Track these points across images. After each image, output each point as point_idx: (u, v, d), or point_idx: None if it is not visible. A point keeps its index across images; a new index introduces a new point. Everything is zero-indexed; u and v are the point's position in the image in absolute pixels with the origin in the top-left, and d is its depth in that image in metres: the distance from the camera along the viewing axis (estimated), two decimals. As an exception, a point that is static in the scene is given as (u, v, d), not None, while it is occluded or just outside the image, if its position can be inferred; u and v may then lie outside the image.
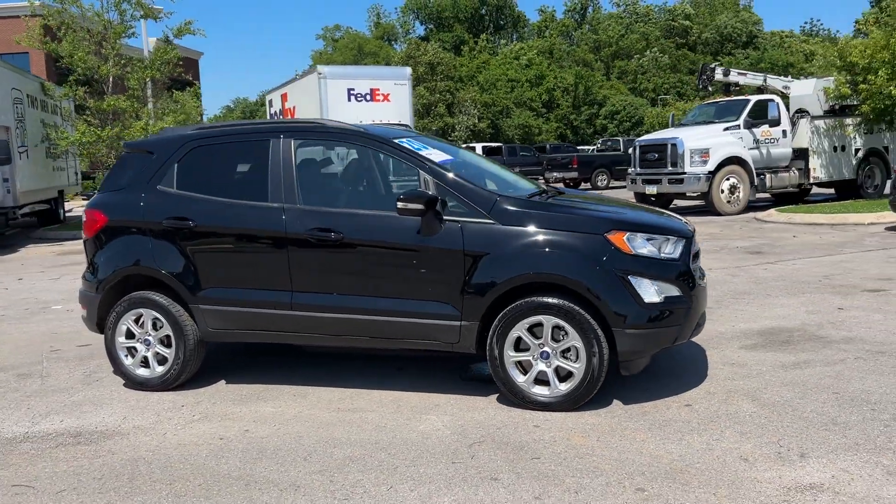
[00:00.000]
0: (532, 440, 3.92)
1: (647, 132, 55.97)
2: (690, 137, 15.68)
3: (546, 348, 4.34)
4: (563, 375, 4.35)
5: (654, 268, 4.31)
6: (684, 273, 4.41)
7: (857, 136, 16.96)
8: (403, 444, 3.96)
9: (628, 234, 4.34)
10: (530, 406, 4.36)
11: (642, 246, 4.34)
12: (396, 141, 4.83)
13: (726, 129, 15.81)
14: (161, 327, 5.06)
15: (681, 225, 4.74)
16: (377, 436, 4.10)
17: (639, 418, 4.18)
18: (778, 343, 5.59)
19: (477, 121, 50.94)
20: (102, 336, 5.21)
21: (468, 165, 5.05)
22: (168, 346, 5.06)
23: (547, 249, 4.32)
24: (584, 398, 4.31)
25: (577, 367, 4.28)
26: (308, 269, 4.73)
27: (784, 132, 16.23)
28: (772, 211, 15.22)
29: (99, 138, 18.78)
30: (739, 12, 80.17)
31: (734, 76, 18.51)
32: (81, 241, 5.67)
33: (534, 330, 4.35)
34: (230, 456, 3.92)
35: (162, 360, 5.10)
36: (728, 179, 15.60)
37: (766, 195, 17.28)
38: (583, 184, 27.94)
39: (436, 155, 4.80)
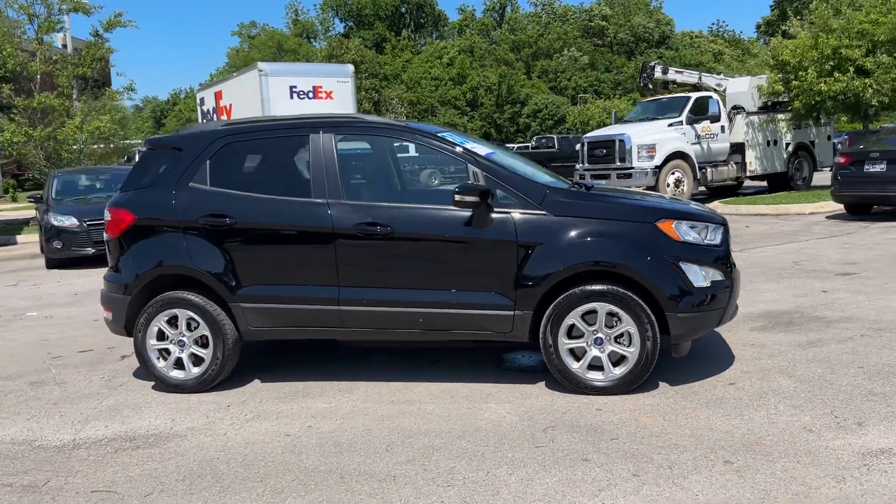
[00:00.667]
0: (602, 423, 4.07)
1: (570, 130, 57.70)
2: (637, 133, 16.21)
3: (600, 334, 4.49)
4: (616, 360, 4.51)
5: (700, 254, 4.52)
6: (725, 258, 4.65)
7: (787, 131, 17.93)
8: (478, 432, 4.03)
9: (675, 222, 4.54)
10: (585, 391, 4.51)
11: (688, 233, 4.55)
12: (441, 135, 4.89)
13: (670, 125, 16.42)
14: (197, 327, 4.96)
15: (716, 214, 4.98)
16: (447, 425, 4.16)
17: (691, 398, 4.39)
18: (783, 325, 5.93)
19: (405, 119, 51.09)
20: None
21: (506, 158, 5.14)
22: (204, 346, 4.97)
23: (602, 239, 4.47)
24: (637, 381, 4.49)
25: (631, 352, 4.45)
26: (356, 264, 4.73)
27: (723, 128, 16.98)
28: (716, 203, 15.92)
29: (30, 138, 17.94)
30: (653, 13, 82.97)
31: (672, 74, 19.25)
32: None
33: (586, 317, 4.50)
34: (307, 451, 3.91)
35: (198, 361, 5.01)
36: (673, 174, 16.21)
37: (703, 189, 18.04)
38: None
39: (479, 148, 4.88)
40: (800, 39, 15.98)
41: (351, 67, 18.64)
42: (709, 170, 16.74)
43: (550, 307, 4.50)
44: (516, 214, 4.54)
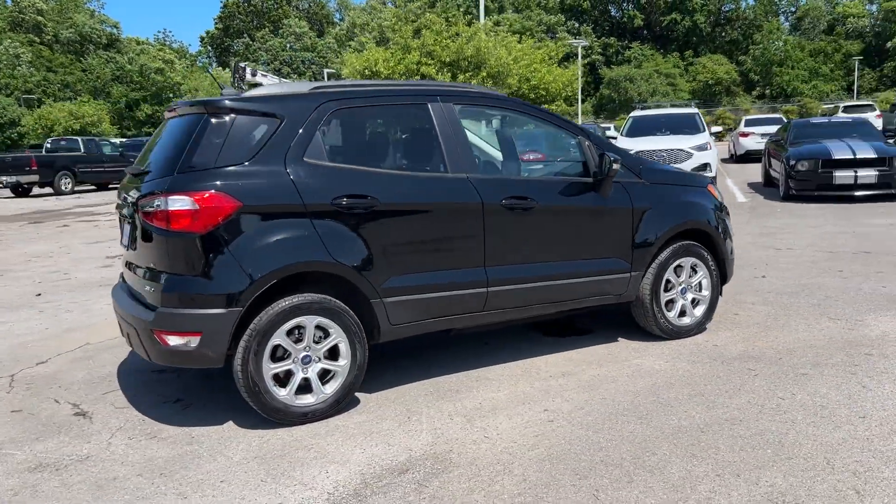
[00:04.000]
0: (745, 352, 4.86)
1: (26, 136, 51.06)
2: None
3: (684, 285, 5.23)
4: (694, 305, 5.31)
5: (725, 211, 5.61)
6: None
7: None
8: (670, 377, 4.42)
9: (711, 185, 5.54)
10: (673, 334, 5.17)
11: (719, 196, 5.60)
12: (546, 108, 4.92)
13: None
14: (325, 337, 4.02)
15: None
16: (650, 382, 4.42)
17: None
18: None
19: None
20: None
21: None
22: (333, 358, 4.07)
23: (688, 202, 5.20)
24: (709, 320, 5.37)
25: (705, 296, 5.31)
26: (501, 241, 4.49)
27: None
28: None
29: None
30: (95, 14, 78.44)
31: (259, 77, 19.38)
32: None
33: (676, 271, 5.19)
34: (599, 439, 3.76)
35: (326, 378, 4.07)
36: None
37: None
38: (45, 187, 24.63)
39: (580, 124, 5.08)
40: (393, 54, 18.01)
41: None
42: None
43: (653, 265, 5.05)
44: (626, 183, 4.95)
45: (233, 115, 3.95)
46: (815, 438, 3.50)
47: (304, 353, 3.97)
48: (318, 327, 3.98)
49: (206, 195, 3.74)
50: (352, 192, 4.04)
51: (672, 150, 14.17)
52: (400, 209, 4.18)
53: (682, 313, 5.24)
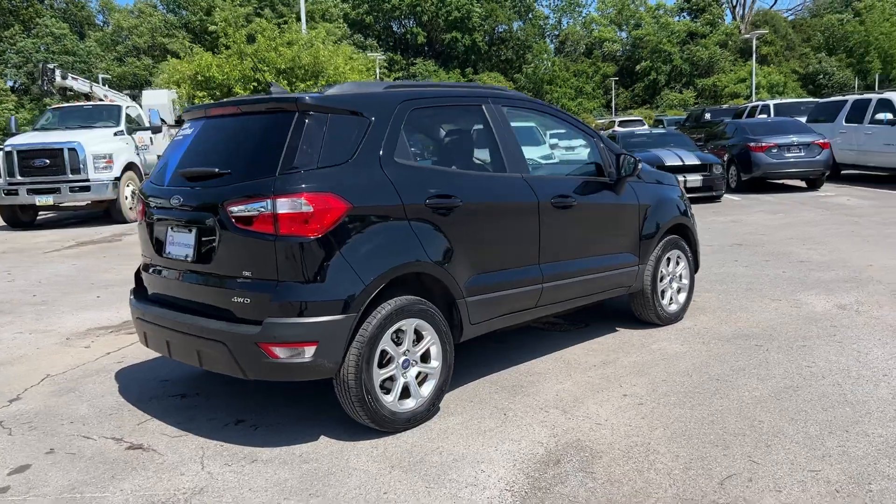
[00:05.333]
0: (736, 332, 5.44)
1: None
2: (89, 141, 14.65)
3: (671, 276, 5.72)
4: (678, 293, 5.82)
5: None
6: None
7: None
8: (719, 358, 4.89)
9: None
10: (666, 321, 5.64)
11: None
12: (569, 113, 5.15)
13: (116, 133, 15.41)
14: (421, 339, 3.96)
15: None
16: (687, 363, 4.83)
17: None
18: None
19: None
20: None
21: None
22: (426, 360, 4.01)
23: (672, 198, 5.69)
24: (687, 307, 5.91)
25: (685, 284, 5.83)
26: (551, 239, 4.66)
27: (151, 139, 16.77)
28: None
29: None
30: None
31: (70, 80, 17.54)
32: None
33: (667, 263, 5.67)
34: (700, 415, 4.09)
35: (422, 382, 4.00)
36: (129, 186, 15.34)
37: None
38: None
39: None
40: (228, 59, 17.20)
41: None
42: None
43: (653, 258, 5.49)
44: (631, 181, 5.34)
45: (326, 114, 3.76)
46: (872, 394, 4.08)
47: (404, 358, 3.88)
48: (417, 328, 3.91)
49: (320, 196, 3.54)
50: (440, 191, 4.02)
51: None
52: (477, 209, 4.22)
53: (670, 301, 5.74)
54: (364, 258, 3.65)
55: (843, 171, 16.93)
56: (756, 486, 3.13)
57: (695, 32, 63.38)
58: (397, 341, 3.84)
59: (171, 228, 4.01)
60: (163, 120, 17.45)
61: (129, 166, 15.36)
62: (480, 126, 4.53)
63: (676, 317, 5.74)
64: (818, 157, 15.09)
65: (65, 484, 3.43)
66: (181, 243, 3.93)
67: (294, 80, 17.41)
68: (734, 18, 67.37)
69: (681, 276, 5.81)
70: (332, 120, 3.77)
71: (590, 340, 5.37)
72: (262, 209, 3.51)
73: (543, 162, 5.36)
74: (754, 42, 43.30)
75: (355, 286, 3.60)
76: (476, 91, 4.69)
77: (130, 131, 15.86)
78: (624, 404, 4.12)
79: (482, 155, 4.55)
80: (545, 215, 4.59)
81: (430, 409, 3.98)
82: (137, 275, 4.51)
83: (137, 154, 15.93)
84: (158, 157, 16.24)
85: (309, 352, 3.53)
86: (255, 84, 16.78)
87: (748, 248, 8.86)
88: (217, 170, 3.77)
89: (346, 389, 3.67)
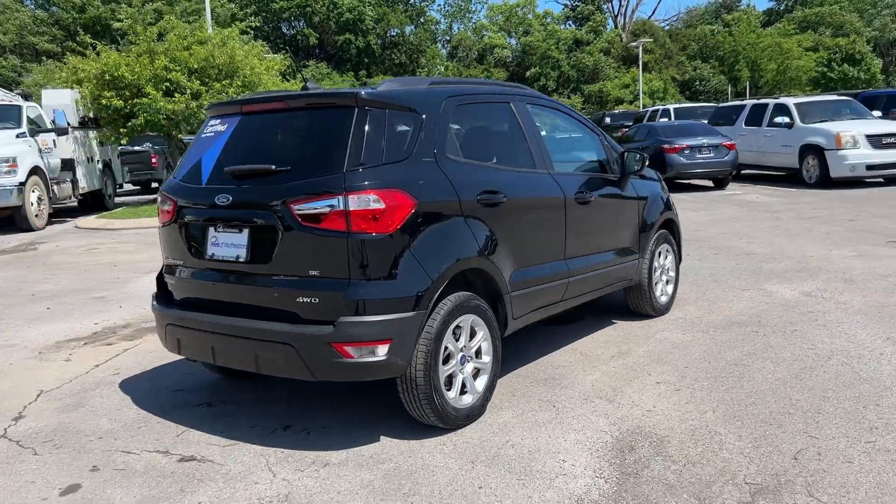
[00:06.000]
0: (727, 320, 5.73)
1: None
2: (-9, 144, 13.63)
3: (661, 269, 5.95)
4: (667, 284, 6.06)
5: None
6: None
7: (97, 148, 17.85)
8: (727, 345, 5.14)
9: (656, 175, 6.36)
10: (659, 312, 5.87)
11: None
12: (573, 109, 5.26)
13: (18, 135, 14.39)
14: (474, 334, 3.98)
15: None
16: (700, 350, 5.06)
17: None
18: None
19: None
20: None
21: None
22: (479, 355, 4.03)
23: (661, 193, 5.93)
24: (674, 298, 6.18)
25: (672, 277, 6.10)
26: (574, 234, 4.77)
27: (55, 142, 15.77)
28: (90, 218, 15.03)
29: None
30: None
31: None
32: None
33: (659, 256, 5.90)
34: (738, 397, 4.30)
35: (475, 377, 4.01)
36: (34, 191, 14.37)
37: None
38: None
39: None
40: (139, 58, 16.33)
41: None
42: (55, 187, 15.40)
43: (648, 251, 5.69)
44: (631, 177, 5.53)
45: (384, 110, 3.71)
46: (879, 370, 4.42)
47: (462, 354, 3.88)
48: (473, 324, 3.92)
49: (390, 193, 3.50)
50: (488, 187, 4.05)
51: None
52: (518, 205, 4.28)
53: (661, 293, 5.98)
54: (430, 254, 3.64)
55: (743, 171, 18.03)
56: (827, 459, 3.34)
57: (580, 40, 65.70)
58: (456, 337, 3.83)
59: (215, 229, 3.84)
60: (68, 122, 16.46)
61: (35, 170, 14.41)
62: (511, 123, 4.58)
63: (667, 308, 5.99)
64: (726, 157, 16.03)
65: (131, 501, 3.22)
66: (230, 244, 3.77)
67: (207, 79, 16.78)
68: (616, 27, 70.27)
69: (668, 268, 6.07)
70: (389, 116, 3.72)
71: (594, 333, 5.52)
72: (334, 206, 3.43)
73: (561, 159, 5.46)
74: (641, 50, 45.36)
75: (424, 282, 3.57)
76: (503, 89, 4.75)
77: (33, 133, 14.86)
78: (662, 391, 4.28)
79: (515, 151, 4.60)
80: (570, 211, 4.70)
81: (483, 405, 3.99)
82: (160, 279, 4.28)
83: (41, 157, 14.95)
84: (63, 160, 15.43)
85: (382, 350, 3.47)
86: (168, 84, 16.05)
87: (692, 244, 9.30)
88: (274, 167, 3.64)
89: (413, 388, 3.63)
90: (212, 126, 4.13)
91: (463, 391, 3.89)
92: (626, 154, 5.30)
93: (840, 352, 4.82)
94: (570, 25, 68.66)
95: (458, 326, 3.82)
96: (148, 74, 16.18)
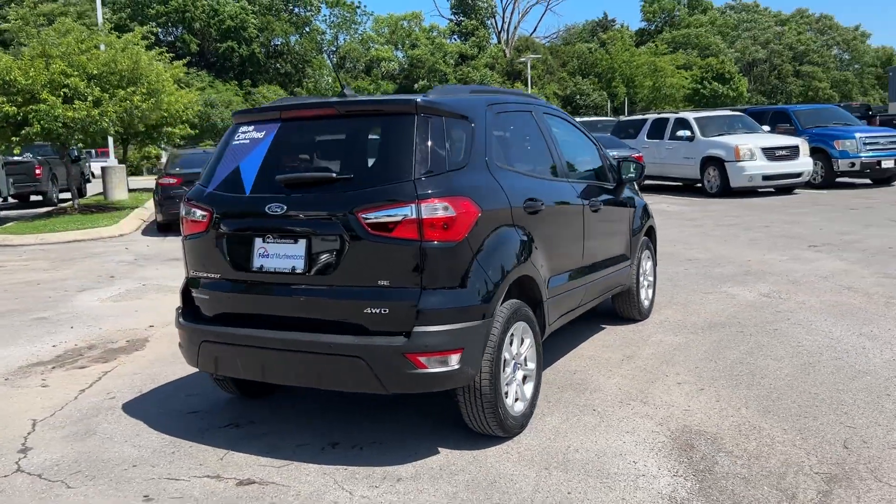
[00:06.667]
0: (707, 321, 6.00)
1: None
2: None
3: (643, 274, 6.17)
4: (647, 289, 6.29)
5: None
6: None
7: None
8: (724, 344, 5.39)
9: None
10: (644, 316, 6.08)
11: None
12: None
13: None
14: (522, 342, 3.99)
15: None
16: (700, 350, 5.27)
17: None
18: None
19: None
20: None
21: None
22: (525, 363, 4.05)
23: (642, 200, 6.15)
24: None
25: (651, 281, 6.33)
26: (588, 241, 4.87)
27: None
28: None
29: None
30: None
31: None
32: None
33: (642, 262, 6.10)
34: (761, 393, 4.52)
35: (523, 383, 4.03)
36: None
37: None
38: None
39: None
40: (34, 62, 15.20)
41: None
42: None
43: (636, 257, 5.89)
44: (625, 185, 5.70)
45: (442, 117, 3.67)
46: (872, 363, 4.76)
47: (514, 361, 3.89)
48: (524, 331, 3.94)
49: (459, 201, 3.47)
50: (530, 195, 4.09)
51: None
52: (552, 212, 4.34)
53: (644, 297, 6.20)
54: (493, 262, 3.63)
55: (645, 182, 18.89)
56: (875, 446, 3.58)
57: (465, 55, 66.94)
58: (512, 343, 3.84)
59: (265, 239, 3.66)
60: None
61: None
62: (536, 131, 4.64)
63: (649, 311, 6.21)
64: (636, 169, 16.74)
65: (209, 530, 3.02)
66: (283, 255, 3.60)
67: (108, 86, 15.87)
68: (499, 42, 72.06)
69: (648, 273, 6.30)
70: (447, 123, 3.69)
71: (592, 338, 5.64)
72: (406, 215, 3.36)
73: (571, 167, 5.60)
74: (529, 64, 46.71)
75: (491, 290, 3.57)
76: (524, 98, 4.81)
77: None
78: (688, 391, 4.44)
79: (542, 159, 4.64)
80: (587, 218, 4.80)
81: (531, 411, 4.01)
82: (186, 294, 4.02)
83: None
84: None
85: (454, 359, 3.42)
86: (66, 90, 15.05)
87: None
88: (335, 174, 3.52)
89: (478, 397, 3.60)
90: (244, 133, 3.94)
91: (515, 399, 3.89)
92: (622, 163, 5.47)
93: (826, 348, 5.15)
94: (455, 40, 69.84)
95: (511, 334, 3.82)
96: (43, 79, 15.13)
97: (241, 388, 4.42)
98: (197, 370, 4.97)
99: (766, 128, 17.95)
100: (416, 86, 65.93)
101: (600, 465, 3.49)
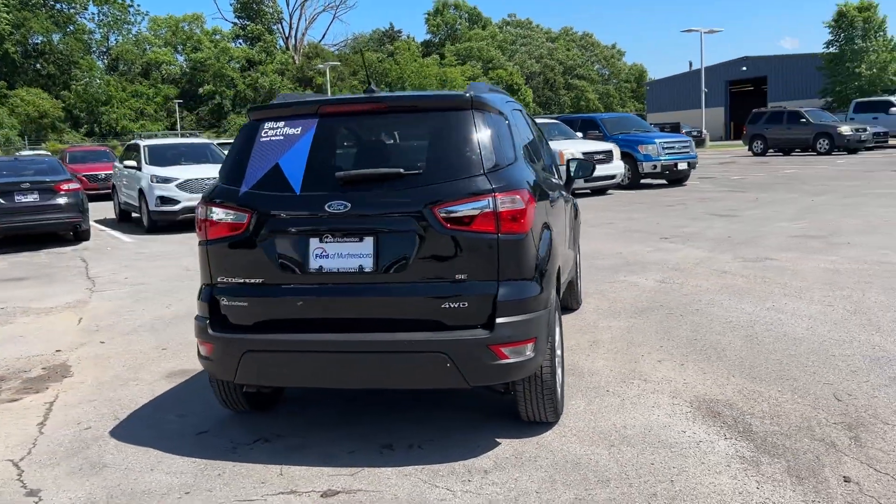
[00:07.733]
0: (647, 305, 6.50)
1: None
2: None
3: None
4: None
5: None
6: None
7: None
8: (679, 325, 5.87)
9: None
10: (577, 305, 6.48)
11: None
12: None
13: None
14: (553, 332, 4.14)
15: None
16: (658, 329, 5.71)
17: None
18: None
19: None
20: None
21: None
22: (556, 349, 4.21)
23: (572, 198, 6.52)
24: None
25: (578, 274, 6.73)
26: (567, 232, 5.11)
27: None
28: None
29: None
30: None
31: None
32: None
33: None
34: (742, 363, 5.02)
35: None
36: None
37: None
38: None
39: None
40: None
41: None
42: None
43: (576, 242, 6.25)
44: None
45: (490, 113, 3.72)
46: (797, 330, 5.45)
47: (559, 348, 4.03)
48: (551, 323, 4.09)
49: (525, 193, 3.55)
50: (548, 188, 4.26)
51: (204, 178, 14.24)
52: (556, 205, 4.53)
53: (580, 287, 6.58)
54: (547, 252, 3.75)
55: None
56: (860, 396, 4.14)
57: (252, 60, 65.11)
58: (556, 331, 3.97)
59: (323, 239, 3.47)
60: None
61: None
62: (528, 128, 4.79)
63: (580, 300, 6.61)
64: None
65: (335, 544, 2.85)
66: (348, 254, 3.44)
67: None
68: (287, 48, 70.92)
69: (580, 263, 6.69)
70: (496, 119, 3.75)
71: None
72: (485, 208, 3.38)
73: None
74: (328, 71, 46.46)
75: (551, 279, 3.70)
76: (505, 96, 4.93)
77: None
78: (673, 366, 4.81)
79: (538, 155, 4.79)
80: (567, 211, 5.05)
81: (563, 396, 4.17)
82: (213, 302, 3.68)
83: None
84: None
85: (529, 349, 3.50)
86: None
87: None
88: (402, 170, 3.44)
89: (539, 384, 3.69)
90: (274, 130, 3.69)
91: (560, 384, 4.03)
92: (570, 161, 5.79)
93: (754, 322, 5.80)
94: (241, 44, 67.66)
95: (558, 321, 3.96)
96: None
97: (250, 401, 4.13)
98: (165, 391, 4.64)
99: (580, 134, 19.47)
100: (200, 90, 63.00)
101: (657, 437, 3.73)
